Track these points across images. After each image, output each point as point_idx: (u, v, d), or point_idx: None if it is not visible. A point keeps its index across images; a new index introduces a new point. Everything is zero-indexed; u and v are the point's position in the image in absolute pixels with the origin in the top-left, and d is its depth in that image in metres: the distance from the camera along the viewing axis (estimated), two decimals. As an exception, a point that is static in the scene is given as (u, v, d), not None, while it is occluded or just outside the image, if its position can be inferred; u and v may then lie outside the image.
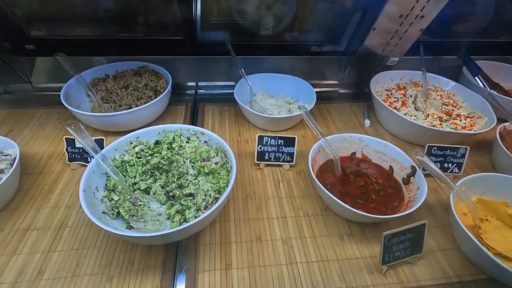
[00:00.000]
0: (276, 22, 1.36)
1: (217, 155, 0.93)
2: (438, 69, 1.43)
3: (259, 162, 1.04)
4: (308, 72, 1.44)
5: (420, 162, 0.84)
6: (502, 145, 0.95)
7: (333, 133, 1.16)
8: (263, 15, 1.34)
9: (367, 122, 1.25)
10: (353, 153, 1.03)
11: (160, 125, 0.99)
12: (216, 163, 0.91)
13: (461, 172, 0.99)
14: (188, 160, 0.93)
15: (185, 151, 0.94)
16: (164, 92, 1.17)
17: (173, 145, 0.96)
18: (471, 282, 0.75)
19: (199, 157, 0.93)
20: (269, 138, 1.01)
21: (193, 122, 1.26)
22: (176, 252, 0.81)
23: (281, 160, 1.04)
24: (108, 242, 0.82)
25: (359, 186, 0.92)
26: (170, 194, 0.88)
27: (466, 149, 0.96)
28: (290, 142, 1.02)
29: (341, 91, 1.50)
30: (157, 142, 0.97)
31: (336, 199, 0.78)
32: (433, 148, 0.97)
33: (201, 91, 1.46)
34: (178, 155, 0.94)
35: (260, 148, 1.02)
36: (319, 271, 0.77)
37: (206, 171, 0.89)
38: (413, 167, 0.90)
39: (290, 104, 1.28)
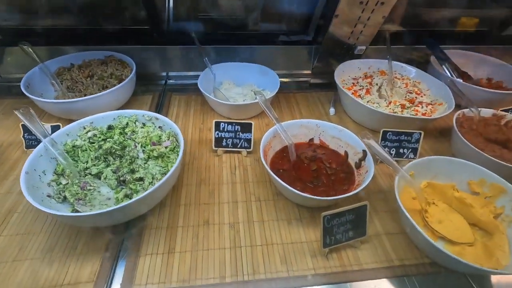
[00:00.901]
0: (245, 12, 1.35)
1: (168, 140, 0.92)
2: (408, 58, 1.42)
3: (216, 148, 1.03)
4: (281, 62, 1.44)
5: (366, 144, 0.83)
6: (457, 131, 0.94)
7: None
8: (231, 5, 1.34)
9: (331, 111, 1.24)
10: (311, 139, 1.02)
11: (116, 111, 0.98)
12: (166, 147, 0.90)
13: (416, 157, 0.97)
14: (140, 144, 0.92)
15: (137, 136, 0.94)
16: (127, 79, 1.15)
17: (126, 130, 0.95)
18: (413, 266, 0.74)
19: (149, 141, 0.92)
20: (226, 124, 1.01)
21: (159, 111, 1.25)
22: (122, 237, 0.80)
23: (238, 146, 1.03)
24: (55, 228, 0.82)
25: (312, 171, 0.91)
26: (121, 179, 0.87)
27: (420, 134, 0.95)
28: (247, 128, 1.01)
29: (313, 81, 1.48)
30: (109, 127, 0.96)
31: (283, 183, 0.77)
32: (388, 133, 0.96)
33: (171, 81, 1.45)
34: (130, 139, 0.93)
35: (218, 134, 1.02)
36: (262, 255, 0.76)
37: (155, 155, 0.88)
38: (364, 151, 0.88)
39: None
